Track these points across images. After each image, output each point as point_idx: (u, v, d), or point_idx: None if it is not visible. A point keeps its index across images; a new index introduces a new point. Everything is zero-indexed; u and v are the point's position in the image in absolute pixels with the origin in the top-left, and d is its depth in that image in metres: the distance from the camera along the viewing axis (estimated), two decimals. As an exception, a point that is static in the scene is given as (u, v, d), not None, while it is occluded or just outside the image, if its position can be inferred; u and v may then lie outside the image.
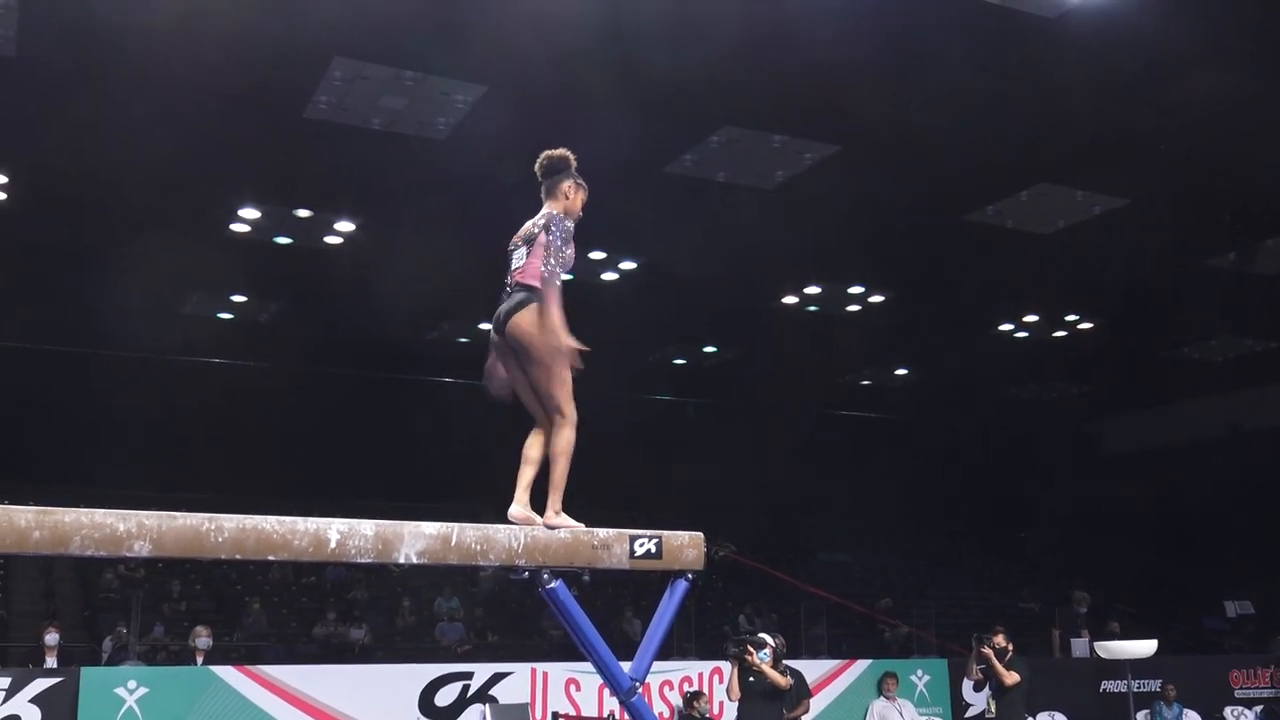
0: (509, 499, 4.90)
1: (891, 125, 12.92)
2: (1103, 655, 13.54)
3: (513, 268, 4.99)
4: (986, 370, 23.16)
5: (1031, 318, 20.43)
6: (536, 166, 5.19)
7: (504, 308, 4.89)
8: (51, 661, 12.36)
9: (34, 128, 12.52)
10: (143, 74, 11.46)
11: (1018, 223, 15.77)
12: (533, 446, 4.96)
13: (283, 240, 16.05)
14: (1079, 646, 15.46)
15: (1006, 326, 20.87)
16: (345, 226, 15.69)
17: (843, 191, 14.54)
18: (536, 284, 4.87)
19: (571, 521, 4.81)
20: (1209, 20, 10.96)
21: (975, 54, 11.53)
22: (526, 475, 4.92)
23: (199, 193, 14.36)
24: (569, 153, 5.21)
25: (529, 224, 5.10)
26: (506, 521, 4.78)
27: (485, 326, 4.93)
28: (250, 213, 15.17)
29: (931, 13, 10.77)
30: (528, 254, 4.94)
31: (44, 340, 19.03)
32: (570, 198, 5.14)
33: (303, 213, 15.26)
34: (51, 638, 12.64)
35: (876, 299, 19.10)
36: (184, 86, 11.69)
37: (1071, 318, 20.50)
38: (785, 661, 10.65)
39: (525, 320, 4.82)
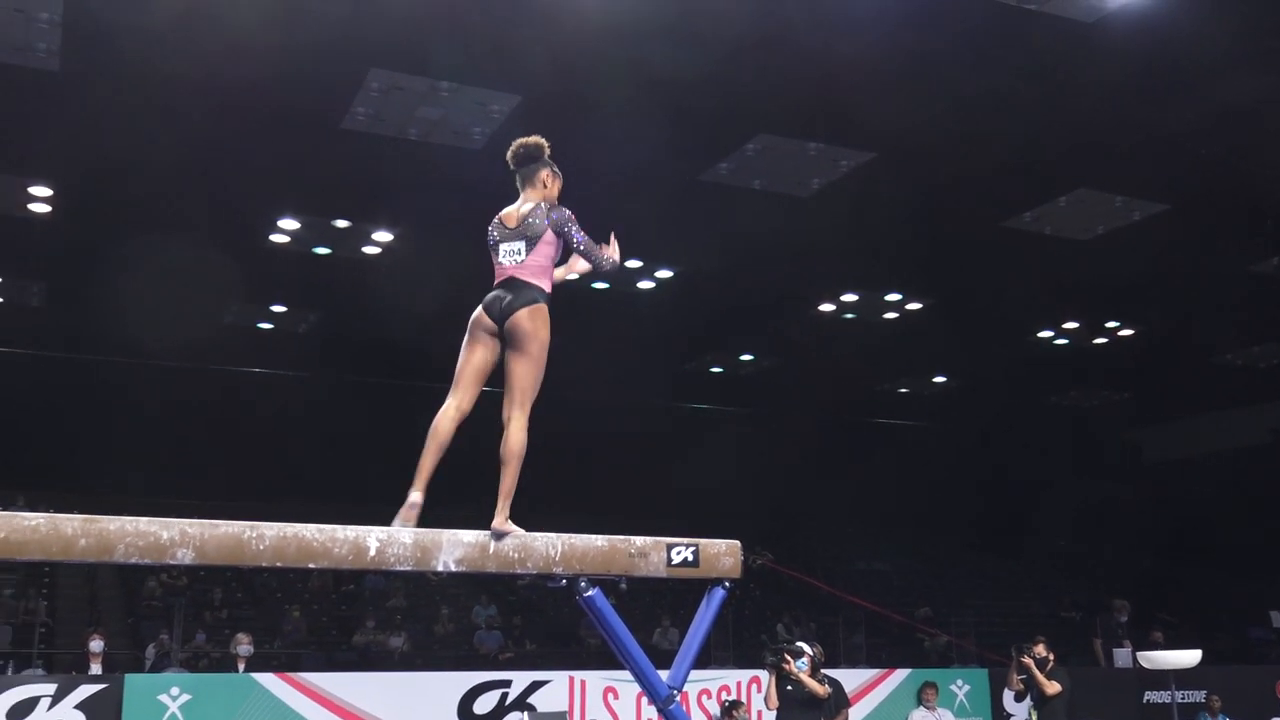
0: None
1: (927, 132, 12.87)
2: (1146, 665, 13.38)
3: (509, 261, 4.91)
4: (1026, 377, 23.00)
5: (1071, 324, 20.27)
6: (509, 155, 5.12)
7: (509, 299, 4.84)
8: (96, 668, 12.52)
9: (77, 140, 12.69)
10: (181, 87, 11.61)
11: (1056, 229, 15.66)
12: (449, 426, 4.84)
13: (321, 250, 16.19)
14: (1121, 656, 15.30)
15: (1046, 333, 20.73)
16: (383, 236, 15.80)
17: (879, 198, 14.52)
18: (545, 287, 4.92)
19: (520, 530, 4.68)
20: (1248, 22, 10.87)
21: (1012, 60, 11.49)
22: (432, 460, 4.80)
23: (239, 204, 14.51)
24: (543, 140, 5.15)
25: (522, 214, 4.97)
26: (546, 529, 4.74)
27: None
28: (289, 223, 15.32)
29: (967, 19, 10.74)
30: (528, 250, 4.90)
31: (84, 349, 19.28)
32: (549, 186, 5.10)
33: (341, 223, 15.39)
34: (96, 645, 12.79)
35: (914, 306, 19.02)
36: (223, 99, 11.84)
37: (1112, 324, 20.33)
38: (823, 670, 10.63)
39: (535, 318, 4.83)
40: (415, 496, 4.70)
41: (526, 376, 4.83)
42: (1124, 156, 13.51)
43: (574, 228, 4.95)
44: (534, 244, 4.89)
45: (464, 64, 11.51)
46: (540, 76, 11.67)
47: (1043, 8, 10.57)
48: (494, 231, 5.02)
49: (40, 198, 14.26)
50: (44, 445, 19.19)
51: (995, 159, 13.55)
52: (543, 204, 4.99)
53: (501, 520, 4.62)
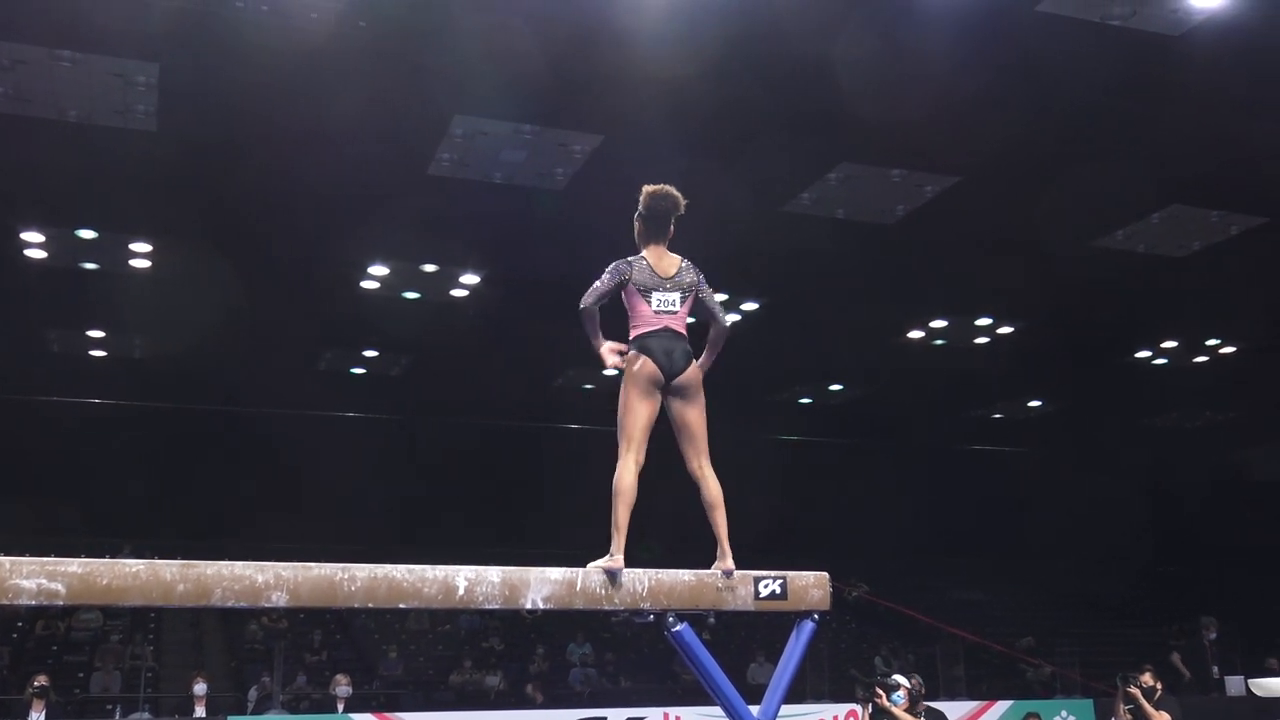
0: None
1: (1013, 153, 12.71)
2: (1259, 694, 12.94)
3: (664, 309, 4.95)
4: (1124, 399, 22.48)
5: (1170, 343, 19.80)
6: (677, 203, 5.15)
7: (677, 352, 4.91)
8: (200, 711, 12.74)
9: (174, 196, 13.07)
10: (274, 143, 11.93)
11: (1150, 246, 15.34)
12: (635, 482, 4.86)
13: (411, 295, 16.44)
14: (1234, 684, 14.79)
15: (1144, 353, 20.26)
16: (470, 279, 16.00)
17: (966, 222, 14.35)
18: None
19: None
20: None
21: (1098, 77, 11.30)
22: (628, 517, 4.78)
23: (331, 252, 14.82)
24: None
25: (674, 267, 5.04)
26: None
27: (610, 373, 5.00)
28: (379, 270, 15.59)
29: (1051, 38, 10.59)
30: (681, 303, 4.99)
31: (183, 399, 19.76)
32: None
33: (429, 267, 15.63)
34: (200, 688, 13.02)
35: (1005, 330, 18.73)
36: (313, 151, 12.12)
37: (1212, 342, 19.81)
38: (926, 702, 10.46)
39: (699, 372, 4.99)
40: (619, 561, 4.64)
41: (705, 424, 4.98)
42: (1218, 170, 13.18)
43: (710, 292, 5.10)
44: (685, 299, 5.00)
45: (546, 107, 11.66)
46: (622, 116, 11.77)
47: (1128, 23, 10.41)
48: (639, 275, 4.96)
49: (140, 253, 14.71)
50: (148, 494, 19.67)
51: (1084, 178, 13.31)
52: (685, 260, 5.09)
53: (729, 560, 4.78)
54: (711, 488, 4.91)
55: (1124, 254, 15.48)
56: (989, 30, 10.48)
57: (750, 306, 17.32)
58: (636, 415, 4.88)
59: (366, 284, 15.98)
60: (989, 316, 18.24)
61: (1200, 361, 20.56)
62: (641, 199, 5.13)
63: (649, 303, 4.94)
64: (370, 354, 19.54)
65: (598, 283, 4.93)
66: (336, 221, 13.86)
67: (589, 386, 20.41)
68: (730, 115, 11.71)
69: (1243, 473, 26.79)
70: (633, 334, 4.95)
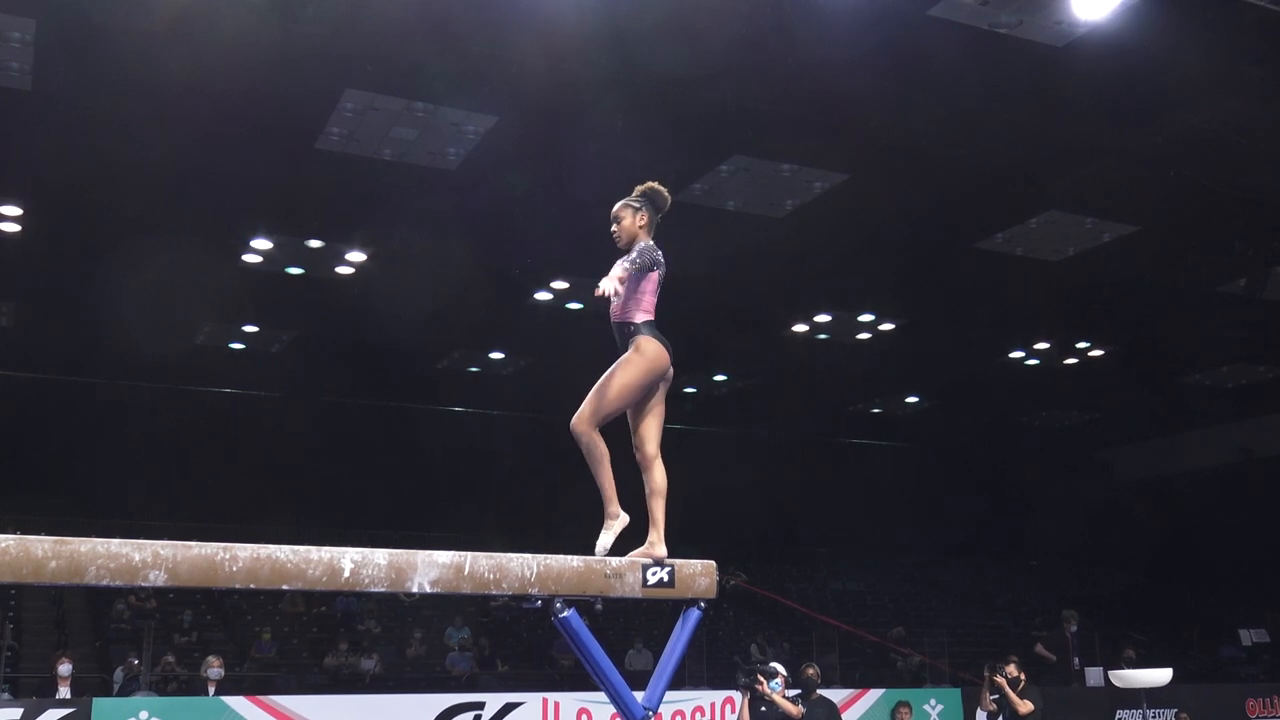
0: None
1: (901, 153, 12.96)
2: (1117, 684, 13.45)
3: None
4: (998, 398, 23.12)
5: (1042, 345, 20.41)
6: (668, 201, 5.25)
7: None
8: (64, 692, 12.36)
9: (48, 159, 12.61)
10: (154, 108, 11.55)
11: (1027, 250, 15.78)
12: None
13: (294, 270, 16.12)
14: (1093, 675, 15.36)
15: (1017, 354, 20.85)
16: (356, 256, 15.75)
17: (852, 220, 14.58)
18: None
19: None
20: (1215, 47, 10.98)
21: (984, 83, 11.58)
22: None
23: (212, 224, 14.43)
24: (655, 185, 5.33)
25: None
26: (516, 549, 4.78)
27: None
28: (262, 243, 15.26)
29: (940, 42, 10.82)
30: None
31: (52, 370, 19.12)
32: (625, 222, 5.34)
33: (314, 243, 15.33)
34: (64, 668, 12.63)
35: (887, 327, 19.10)
36: (197, 119, 11.78)
37: (1082, 345, 20.48)
38: (820, 691, 10.78)
39: None
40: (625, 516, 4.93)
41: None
42: (1094, 179, 13.63)
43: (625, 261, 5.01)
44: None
45: (440, 85, 11.51)
46: (516, 98, 11.68)
47: (1014, 32, 10.68)
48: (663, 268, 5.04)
49: (10, 217, 14.15)
50: (11, 466, 18.99)
51: (967, 181, 13.64)
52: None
53: (662, 548, 4.86)
54: (663, 474, 4.97)
55: (1002, 256, 15.91)
56: (881, 31, 10.65)
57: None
58: (628, 398, 4.89)
59: (249, 258, 15.61)
60: (871, 312, 18.57)
61: (1071, 363, 21.24)
62: (651, 195, 5.25)
63: (656, 295, 5.04)
64: (250, 329, 19.11)
65: (652, 271, 4.98)
66: (218, 192, 13.49)
67: (475, 369, 20.22)
68: (624, 102, 11.71)
69: (1107, 471, 27.80)
70: (642, 318, 4.96)
